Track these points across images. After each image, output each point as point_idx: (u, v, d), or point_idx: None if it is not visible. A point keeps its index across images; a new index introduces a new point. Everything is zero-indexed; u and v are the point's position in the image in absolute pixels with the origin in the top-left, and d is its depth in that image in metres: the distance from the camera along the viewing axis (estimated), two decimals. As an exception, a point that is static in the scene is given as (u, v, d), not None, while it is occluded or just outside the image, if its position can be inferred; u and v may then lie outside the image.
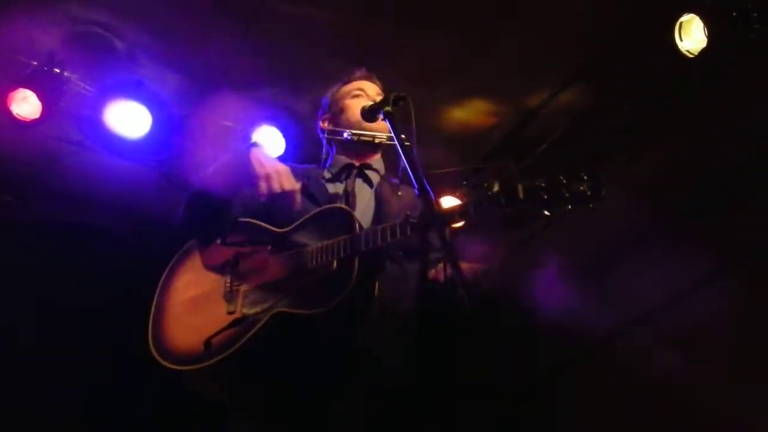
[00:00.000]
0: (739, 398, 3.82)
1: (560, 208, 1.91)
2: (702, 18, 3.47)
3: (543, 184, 1.90)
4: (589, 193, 1.87)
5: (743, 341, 3.93)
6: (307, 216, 2.27)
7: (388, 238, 2.06)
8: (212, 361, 2.11)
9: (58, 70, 3.90)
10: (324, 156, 2.67)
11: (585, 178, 1.89)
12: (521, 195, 1.90)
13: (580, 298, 4.65)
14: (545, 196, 1.89)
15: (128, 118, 4.05)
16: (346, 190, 2.45)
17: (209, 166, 2.43)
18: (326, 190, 2.48)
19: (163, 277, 2.41)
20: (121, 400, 4.77)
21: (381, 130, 2.53)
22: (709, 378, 4.00)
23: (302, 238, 2.23)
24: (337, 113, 2.65)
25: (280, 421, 2.16)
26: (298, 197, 2.25)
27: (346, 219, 2.19)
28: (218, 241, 2.35)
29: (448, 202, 4.53)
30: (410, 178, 1.95)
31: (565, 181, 1.89)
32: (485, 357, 5.01)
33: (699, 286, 4.24)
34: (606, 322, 4.68)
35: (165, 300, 2.35)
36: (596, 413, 4.66)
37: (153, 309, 2.35)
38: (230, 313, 2.19)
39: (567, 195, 1.88)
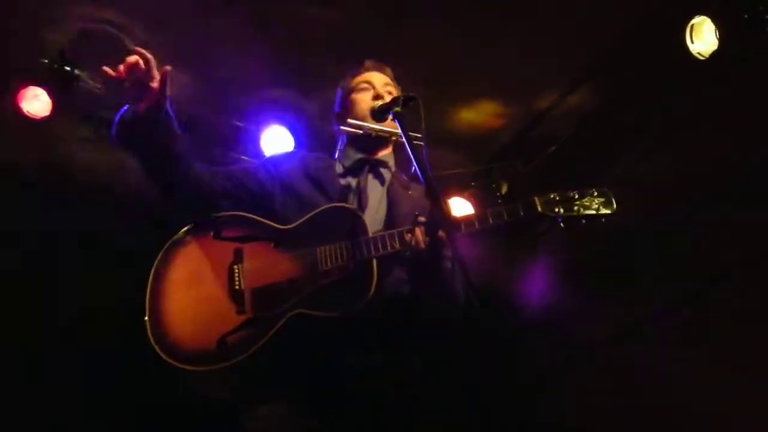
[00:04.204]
0: (755, 399, 3.81)
1: (575, 222, 2.14)
2: (713, 20, 3.46)
3: (557, 198, 2.12)
4: (600, 209, 2.11)
5: (757, 340, 3.91)
6: (310, 214, 2.27)
7: (402, 243, 2.13)
8: (232, 361, 2.09)
9: (69, 69, 3.92)
10: (338, 149, 2.66)
11: (595, 194, 2.14)
12: (539, 208, 2.13)
13: (584, 298, 4.65)
14: (560, 210, 2.11)
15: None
16: (358, 187, 2.44)
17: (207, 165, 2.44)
18: (338, 182, 2.46)
19: (154, 268, 2.30)
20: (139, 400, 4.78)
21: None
22: (721, 378, 3.99)
23: (308, 236, 2.22)
24: (347, 108, 2.64)
25: (293, 423, 2.14)
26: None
27: (353, 219, 2.21)
28: (212, 235, 2.31)
29: (457, 203, 4.54)
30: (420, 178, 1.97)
31: (576, 197, 2.13)
32: (488, 358, 5.00)
33: (708, 287, 4.23)
34: (614, 322, 4.67)
35: (161, 293, 2.26)
36: (599, 415, 4.64)
37: (147, 302, 2.24)
38: (240, 312, 2.16)
39: (581, 210, 2.12)
